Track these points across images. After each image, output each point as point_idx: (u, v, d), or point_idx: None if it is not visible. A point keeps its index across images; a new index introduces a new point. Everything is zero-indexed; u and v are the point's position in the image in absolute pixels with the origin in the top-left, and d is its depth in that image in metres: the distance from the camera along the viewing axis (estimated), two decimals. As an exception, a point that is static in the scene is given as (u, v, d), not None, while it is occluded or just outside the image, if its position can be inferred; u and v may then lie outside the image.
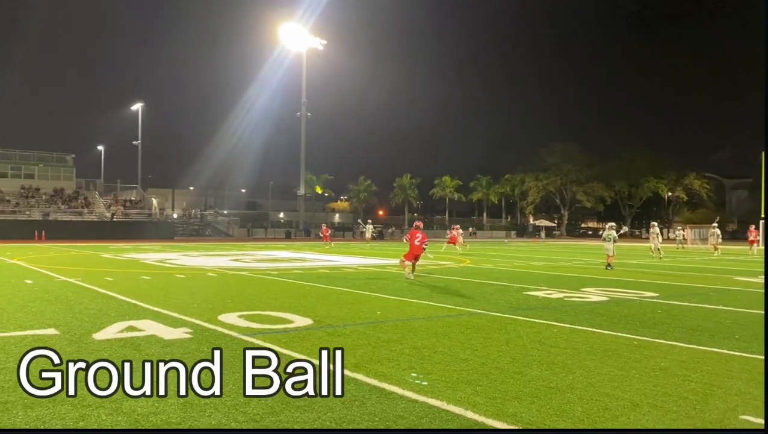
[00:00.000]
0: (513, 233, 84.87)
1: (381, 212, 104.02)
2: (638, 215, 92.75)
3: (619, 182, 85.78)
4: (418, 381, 5.29)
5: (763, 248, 35.08)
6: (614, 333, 7.76)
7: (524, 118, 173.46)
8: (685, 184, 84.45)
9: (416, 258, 15.32)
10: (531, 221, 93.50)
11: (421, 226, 16.31)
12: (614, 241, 19.98)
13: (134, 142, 71.79)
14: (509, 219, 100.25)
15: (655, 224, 31.08)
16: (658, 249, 27.62)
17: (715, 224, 34.38)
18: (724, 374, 5.70)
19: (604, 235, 21.00)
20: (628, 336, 7.60)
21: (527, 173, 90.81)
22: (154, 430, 3.27)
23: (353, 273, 17.15)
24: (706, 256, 30.46)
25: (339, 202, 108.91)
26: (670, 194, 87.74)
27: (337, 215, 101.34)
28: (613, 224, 21.62)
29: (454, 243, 33.50)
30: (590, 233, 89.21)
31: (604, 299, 11.46)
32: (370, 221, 47.98)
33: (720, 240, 32.97)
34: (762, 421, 4.34)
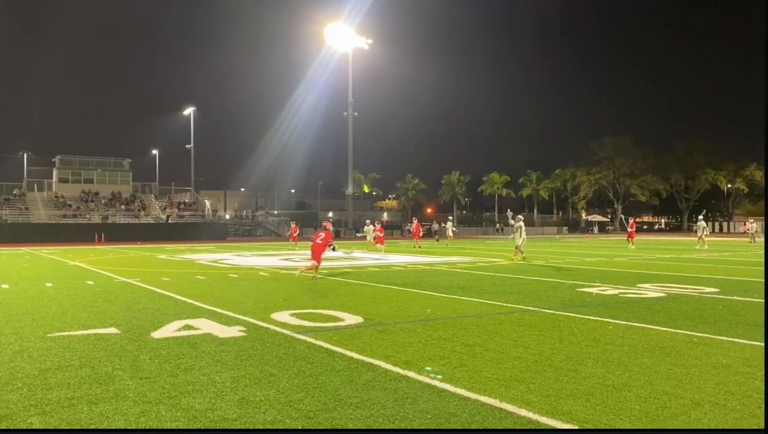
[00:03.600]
0: (565, 228, 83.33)
1: (429, 210, 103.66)
2: (696, 208, 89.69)
3: (675, 174, 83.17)
4: (433, 375, 5.30)
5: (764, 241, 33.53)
6: (672, 330, 7.53)
7: (573, 111, 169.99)
8: (745, 175, 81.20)
9: (317, 258, 14.86)
10: (583, 216, 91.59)
11: (329, 226, 16.23)
12: (521, 234, 20.54)
13: (187, 145, 73.69)
14: (560, 215, 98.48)
15: (701, 217, 31.85)
16: (703, 240, 28.20)
17: (752, 220, 35.55)
18: (791, 372, 5.46)
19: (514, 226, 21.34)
20: (687, 332, 7.37)
21: (578, 167, 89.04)
22: (159, 430, 3.34)
23: (402, 271, 17.17)
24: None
25: (387, 200, 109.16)
26: (729, 186, 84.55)
27: (386, 213, 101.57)
28: (520, 216, 21.99)
29: (416, 237, 34.29)
30: (645, 227, 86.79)
31: (661, 295, 11.14)
32: (450, 218, 49.42)
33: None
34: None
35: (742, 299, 10.57)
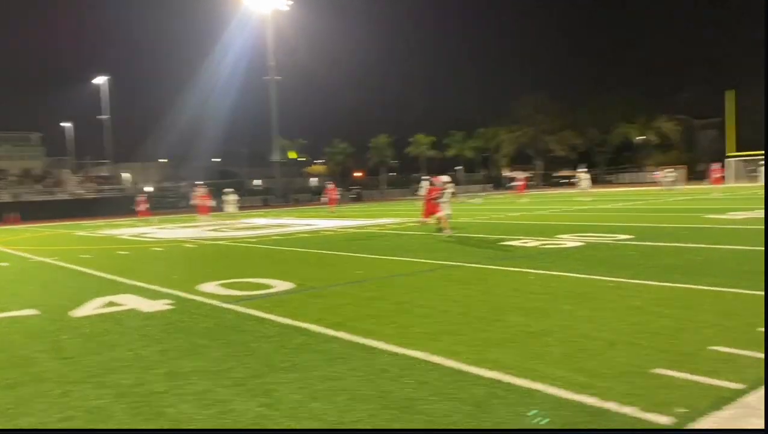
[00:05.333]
0: (489, 186, 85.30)
1: (359, 174, 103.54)
2: (612, 161, 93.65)
3: (590, 129, 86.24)
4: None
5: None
6: (590, 276, 7.92)
7: (495, 70, 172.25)
8: (655, 127, 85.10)
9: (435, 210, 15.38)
10: (505, 174, 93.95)
11: (437, 181, 16.14)
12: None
13: (101, 117, 70.27)
14: (485, 173, 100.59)
15: (583, 170, 34.28)
16: (586, 192, 30.25)
17: (670, 169, 38.16)
18: (696, 308, 5.87)
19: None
20: (604, 278, 7.77)
21: (500, 126, 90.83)
22: (159, 430, 3.28)
23: (333, 236, 17.18)
24: (679, 196, 30.99)
25: (315, 166, 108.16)
26: (641, 138, 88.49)
27: (315, 179, 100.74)
28: (428, 177, 18.63)
29: (331, 203, 31.74)
30: (564, 181, 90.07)
31: (580, 244, 11.65)
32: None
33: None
34: (734, 350, 4.49)
35: (653, 244, 11.20)
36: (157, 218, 31.47)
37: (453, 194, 17.24)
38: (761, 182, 32.39)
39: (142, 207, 31.78)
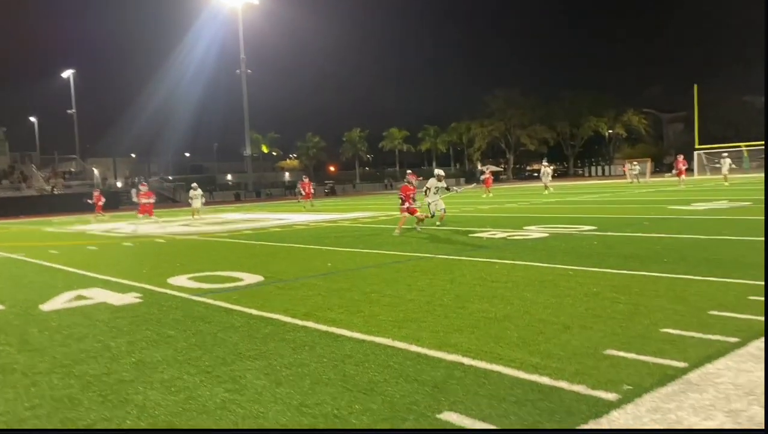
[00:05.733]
0: (462, 180, 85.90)
1: (332, 168, 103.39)
2: (581, 154, 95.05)
3: (561, 123, 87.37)
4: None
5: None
6: (552, 265, 8.15)
7: (468, 65, 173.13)
8: (624, 120, 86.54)
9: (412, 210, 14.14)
10: (479, 168, 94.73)
11: (412, 179, 14.63)
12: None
13: (69, 111, 69.08)
14: (458, 167, 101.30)
15: (545, 163, 35.21)
16: (547, 185, 31.10)
17: (635, 162, 39.62)
18: (650, 294, 6.12)
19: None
20: (565, 266, 8.00)
21: (473, 120, 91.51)
22: (158, 430, 3.36)
23: (304, 230, 17.24)
24: (645, 189, 31.66)
25: (288, 160, 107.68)
26: (610, 131, 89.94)
27: (287, 173, 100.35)
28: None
29: (308, 196, 31.53)
30: (536, 175, 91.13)
31: (545, 235, 11.92)
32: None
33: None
34: (682, 332, 4.72)
35: (615, 234, 11.53)
36: (108, 215, 30.26)
37: (447, 188, 16.09)
38: (722, 174, 33.21)
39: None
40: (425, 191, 15.74)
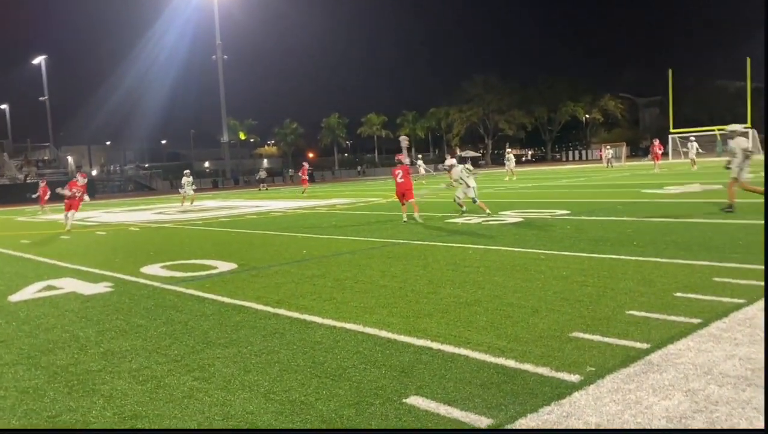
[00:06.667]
0: (441, 165, 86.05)
1: (311, 155, 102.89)
2: (558, 139, 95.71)
3: (538, 108, 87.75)
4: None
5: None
6: (524, 250, 8.23)
7: (446, 51, 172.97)
8: (600, 105, 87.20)
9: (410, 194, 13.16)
10: (457, 153, 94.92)
11: (403, 159, 13.51)
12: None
13: (41, 98, 67.72)
14: (437, 153, 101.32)
15: (509, 150, 35.95)
16: (512, 171, 32.50)
17: (609, 147, 40.71)
18: (618, 277, 6.21)
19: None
20: (537, 251, 8.09)
21: (451, 105, 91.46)
22: (153, 430, 3.33)
23: (281, 217, 17.18)
24: (619, 173, 32.01)
25: (266, 147, 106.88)
26: (587, 116, 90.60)
27: (266, 160, 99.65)
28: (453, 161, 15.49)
29: (304, 183, 32.37)
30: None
31: (520, 220, 12.02)
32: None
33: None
34: (647, 314, 4.81)
35: (587, 218, 11.66)
36: (49, 207, 27.28)
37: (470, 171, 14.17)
38: (689, 159, 33.65)
39: (45, 195, 27.69)
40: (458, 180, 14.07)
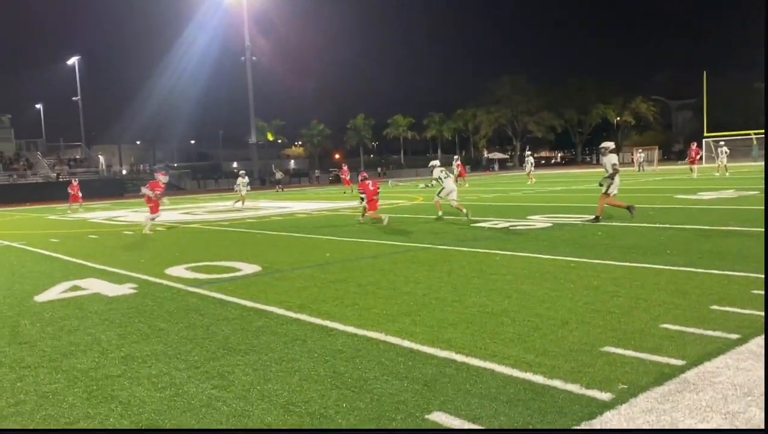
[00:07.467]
0: (468, 167, 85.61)
1: (337, 156, 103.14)
2: (589, 142, 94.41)
3: (568, 110, 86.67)
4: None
5: None
6: (553, 257, 8.03)
7: (473, 52, 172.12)
8: (632, 108, 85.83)
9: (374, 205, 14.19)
10: (485, 155, 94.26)
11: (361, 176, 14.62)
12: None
13: (74, 98, 69.05)
14: (464, 154, 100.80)
15: (528, 153, 35.19)
16: (531, 176, 32.03)
17: (641, 150, 39.69)
18: (651, 287, 6.00)
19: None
20: (567, 258, 7.88)
21: (478, 107, 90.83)
22: (156, 430, 3.28)
23: (306, 218, 17.16)
24: (652, 177, 31.37)
25: (293, 148, 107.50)
26: (618, 118, 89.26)
27: (293, 161, 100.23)
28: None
29: (346, 183, 33.91)
30: (543, 162, 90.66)
31: (548, 225, 11.79)
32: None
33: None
34: (682, 328, 4.61)
35: (619, 224, 11.37)
36: (79, 205, 27.85)
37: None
38: (716, 164, 32.59)
39: (76, 193, 27.74)
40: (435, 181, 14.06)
